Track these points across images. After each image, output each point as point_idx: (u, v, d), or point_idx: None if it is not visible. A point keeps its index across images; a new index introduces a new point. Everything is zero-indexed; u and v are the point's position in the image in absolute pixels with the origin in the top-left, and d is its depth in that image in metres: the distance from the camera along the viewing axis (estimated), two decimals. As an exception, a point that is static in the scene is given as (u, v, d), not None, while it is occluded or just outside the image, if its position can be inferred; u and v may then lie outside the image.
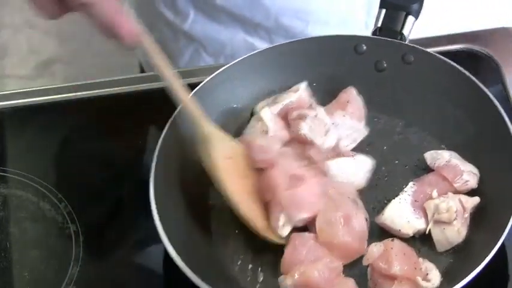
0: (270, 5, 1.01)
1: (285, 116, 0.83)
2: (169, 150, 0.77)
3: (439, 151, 0.80)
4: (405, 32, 0.86)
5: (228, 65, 0.85)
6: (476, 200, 0.75)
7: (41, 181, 0.85)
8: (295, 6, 1.03)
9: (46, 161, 0.89)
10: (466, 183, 0.76)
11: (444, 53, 0.96)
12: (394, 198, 0.76)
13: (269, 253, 0.75)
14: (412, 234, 0.74)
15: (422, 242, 0.75)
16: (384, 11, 0.87)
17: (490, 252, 0.67)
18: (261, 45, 1.06)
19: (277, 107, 0.84)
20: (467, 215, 0.74)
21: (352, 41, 0.87)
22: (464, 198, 0.75)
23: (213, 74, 0.84)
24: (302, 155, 0.79)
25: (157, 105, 0.92)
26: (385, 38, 0.86)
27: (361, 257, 0.73)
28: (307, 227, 0.76)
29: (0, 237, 0.81)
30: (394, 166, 0.82)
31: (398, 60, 0.85)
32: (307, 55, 0.87)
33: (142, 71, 1.21)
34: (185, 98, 0.76)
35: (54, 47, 2.17)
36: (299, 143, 0.80)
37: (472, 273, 0.66)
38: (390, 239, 0.72)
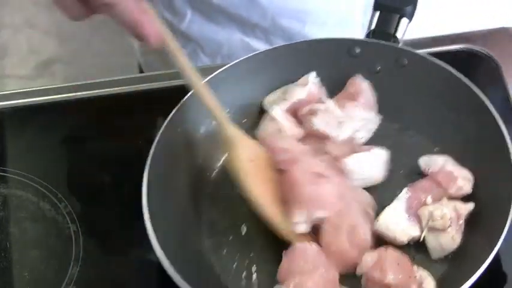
0: (267, 5, 1.01)
1: (294, 112, 0.83)
2: (161, 159, 0.77)
3: (433, 156, 0.79)
4: (399, 34, 0.86)
5: (221, 69, 0.84)
6: (470, 206, 0.74)
7: (41, 181, 0.85)
8: (292, 6, 1.03)
9: (46, 161, 0.89)
10: (461, 189, 0.76)
11: (444, 53, 0.96)
12: (388, 204, 0.76)
13: (264, 261, 0.75)
14: (407, 242, 0.74)
15: (416, 249, 0.74)
16: (377, 13, 0.87)
17: (485, 260, 0.66)
18: (258, 45, 1.06)
19: (287, 104, 0.83)
20: (461, 221, 0.73)
21: (345, 44, 0.86)
22: (458, 204, 0.74)
23: (208, 77, 0.82)
24: (319, 151, 0.79)
25: (157, 105, 0.92)
26: (379, 41, 0.85)
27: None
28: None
29: (0, 237, 0.81)
30: (389, 171, 0.81)
31: (392, 63, 0.85)
32: (301, 58, 0.86)
33: (141, 71, 1.22)
34: (209, 101, 0.76)
35: (54, 47, 2.17)
36: (314, 139, 0.80)
37: (467, 282, 0.65)
38: (384, 247, 0.72)
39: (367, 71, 0.86)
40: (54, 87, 0.97)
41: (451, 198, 0.75)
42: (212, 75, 0.83)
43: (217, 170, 0.84)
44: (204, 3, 1.03)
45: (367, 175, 0.79)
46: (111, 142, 0.92)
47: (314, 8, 1.03)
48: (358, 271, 0.71)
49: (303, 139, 0.81)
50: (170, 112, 0.80)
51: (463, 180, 0.76)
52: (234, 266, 0.76)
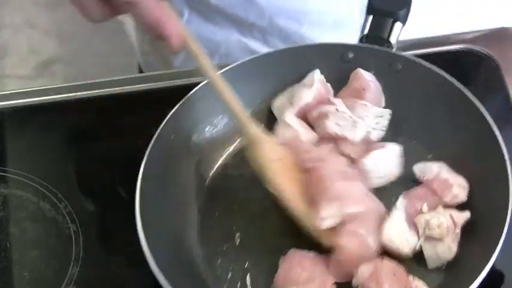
0: (264, 5, 1.01)
1: (304, 115, 0.83)
2: (154, 168, 0.77)
3: (428, 163, 0.79)
4: (392, 39, 0.85)
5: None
6: (467, 215, 0.73)
7: (41, 181, 0.85)
8: (289, 6, 1.03)
9: (46, 161, 0.89)
10: (456, 197, 0.75)
11: (444, 53, 0.96)
12: (388, 215, 0.74)
13: (259, 271, 0.75)
14: (411, 254, 0.73)
15: (412, 258, 0.74)
16: (370, 17, 0.86)
17: (482, 270, 0.66)
18: (256, 45, 1.06)
19: (296, 109, 0.82)
20: (458, 230, 0.72)
21: (339, 49, 0.86)
22: (455, 213, 0.73)
23: (202, 83, 0.82)
24: (337, 153, 0.79)
25: (157, 105, 0.92)
26: (372, 46, 0.85)
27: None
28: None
29: (0, 237, 0.81)
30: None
31: (385, 68, 0.84)
32: (293, 64, 0.86)
33: (141, 71, 1.22)
34: (231, 101, 0.75)
35: (54, 47, 2.17)
36: (327, 141, 0.80)
37: None
38: (380, 259, 0.71)
39: None
40: (54, 87, 0.97)
41: (446, 206, 0.75)
42: (206, 80, 0.82)
43: (210, 179, 0.84)
44: (202, 3, 1.03)
45: (385, 172, 0.78)
46: (111, 142, 0.92)
47: (311, 9, 1.03)
48: (354, 282, 0.70)
49: (318, 143, 0.81)
50: (170, 112, 0.80)
51: (459, 188, 0.76)
52: (229, 276, 0.75)
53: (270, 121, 0.86)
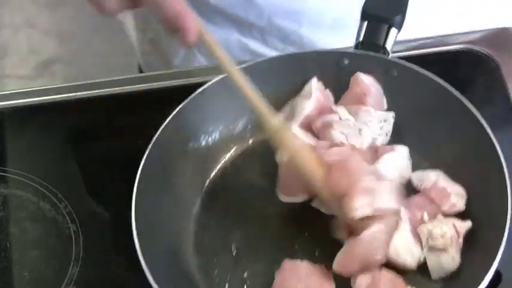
0: (263, 5, 1.01)
1: (308, 126, 0.82)
2: (149, 178, 0.77)
3: (425, 172, 0.78)
4: (388, 45, 0.84)
5: (211, 82, 0.83)
6: (468, 224, 0.73)
7: (41, 181, 0.85)
8: (287, 6, 1.03)
9: (46, 161, 0.89)
10: (454, 206, 0.74)
11: (444, 53, 0.96)
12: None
13: (256, 282, 0.75)
14: (416, 267, 0.72)
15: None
16: (365, 23, 0.85)
17: (484, 278, 0.65)
18: (255, 45, 1.06)
19: (298, 121, 0.82)
20: (461, 240, 0.72)
21: (334, 56, 0.85)
22: (457, 222, 0.72)
23: (197, 91, 0.82)
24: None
25: (157, 105, 0.92)
26: (368, 53, 0.84)
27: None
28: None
29: (0, 237, 0.81)
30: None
31: (381, 75, 0.83)
32: (288, 71, 0.85)
33: (141, 71, 1.22)
34: (251, 93, 0.74)
35: (54, 47, 2.17)
36: None
37: None
38: (378, 269, 0.71)
39: None
40: (54, 87, 0.97)
41: (445, 215, 0.74)
42: (201, 88, 0.82)
43: (206, 188, 0.83)
44: (201, 3, 1.03)
45: (396, 175, 0.77)
46: (111, 142, 0.92)
47: (310, 9, 1.03)
48: None
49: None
50: (170, 112, 0.80)
51: (456, 196, 0.75)
52: (226, 287, 0.75)
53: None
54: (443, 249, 0.71)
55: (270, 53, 1.06)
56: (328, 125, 0.79)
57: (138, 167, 0.77)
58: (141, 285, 0.78)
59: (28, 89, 0.97)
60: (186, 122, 0.82)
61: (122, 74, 0.99)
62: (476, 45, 0.97)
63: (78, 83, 0.97)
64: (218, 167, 0.85)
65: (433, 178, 0.76)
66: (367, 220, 0.71)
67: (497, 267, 0.70)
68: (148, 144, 0.78)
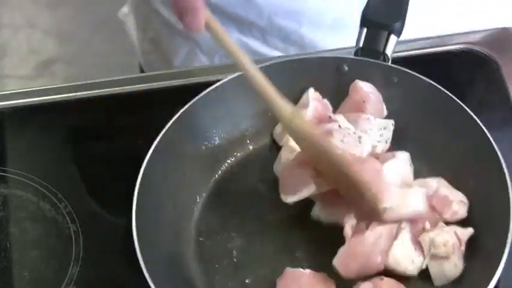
0: (263, 4, 1.01)
1: None
2: (150, 182, 0.77)
3: (426, 179, 0.78)
4: (388, 51, 0.84)
5: (207, 90, 0.82)
6: (470, 231, 0.73)
7: (41, 181, 0.85)
8: (287, 6, 1.03)
9: (46, 161, 0.89)
10: (456, 214, 0.74)
11: (444, 53, 0.96)
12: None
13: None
14: (417, 274, 0.72)
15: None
16: (365, 30, 0.85)
17: (487, 285, 0.65)
18: (255, 45, 1.06)
19: None
20: (463, 247, 0.72)
21: (334, 62, 0.85)
22: (459, 230, 0.72)
23: (195, 98, 0.82)
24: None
25: (157, 105, 0.92)
26: (368, 59, 0.84)
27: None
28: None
29: (0, 237, 0.81)
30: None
31: (381, 82, 0.84)
32: (288, 76, 0.84)
33: (142, 71, 1.22)
34: (260, 80, 0.74)
35: (54, 47, 2.17)
36: None
37: None
38: (379, 277, 0.71)
39: None
40: (54, 87, 0.97)
41: (447, 222, 0.74)
42: (204, 92, 0.82)
43: (206, 194, 0.83)
44: None
45: (398, 182, 0.77)
46: (111, 142, 0.92)
47: (309, 9, 1.03)
48: None
49: None
50: (171, 112, 0.80)
51: (458, 204, 0.75)
52: None
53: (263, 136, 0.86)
54: (446, 257, 0.71)
55: (271, 52, 1.06)
56: (328, 134, 0.78)
57: (138, 167, 0.77)
58: (141, 285, 0.78)
59: (28, 89, 0.97)
60: (188, 126, 0.82)
61: (122, 74, 0.98)
62: (476, 45, 0.97)
63: (78, 83, 0.97)
64: (219, 172, 0.85)
65: (434, 186, 0.76)
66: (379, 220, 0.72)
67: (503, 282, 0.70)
68: (148, 144, 0.78)
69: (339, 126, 0.78)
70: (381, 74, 0.83)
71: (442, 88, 0.81)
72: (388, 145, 0.81)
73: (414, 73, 0.83)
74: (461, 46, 0.98)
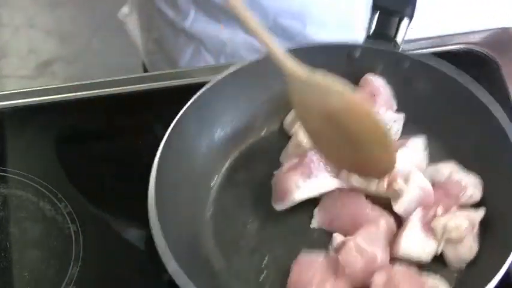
0: (268, 6, 1.02)
1: None
2: (166, 166, 0.76)
3: (439, 165, 0.78)
4: (399, 37, 0.84)
5: (218, 78, 0.82)
6: (482, 212, 0.73)
7: (41, 181, 0.85)
8: (292, 7, 1.03)
9: (46, 161, 0.89)
10: (471, 198, 0.75)
11: (444, 53, 0.96)
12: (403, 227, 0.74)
13: (275, 270, 0.75)
14: (430, 260, 0.73)
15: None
16: (376, 15, 0.85)
17: (502, 265, 0.65)
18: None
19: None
20: (476, 229, 0.72)
21: (345, 49, 0.85)
22: (471, 213, 0.73)
23: (203, 89, 0.82)
24: None
25: (157, 105, 0.92)
26: (378, 46, 0.84)
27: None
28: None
29: (0, 237, 0.81)
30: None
31: (392, 67, 0.83)
32: (301, 62, 0.85)
33: (145, 71, 1.22)
34: (281, 55, 0.74)
35: (54, 47, 2.17)
36: None
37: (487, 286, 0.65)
38: (391, 264, 0.71)
39: (368, 73, 0.85)
40: (54, 87, 0.97)
41: (461, 206, 0.74)
42: (206, 87, 0.81)
43: (223, 175, 0.83)
44: (208, 3, 1.03)
45: (414, 166, 0.77)
46: (111, 142, 0.92)
47: (314, 10, 1.03)
48: None
49: None
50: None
51: (473, 188, 0.75)
52: (245, 274, 0.75)
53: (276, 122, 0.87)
54: (460, 241, 0.71)
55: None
56: None
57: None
58: (141, 285, 0.78)
59: (28, 89, 0.97)
60: (203, 111, 0.81)
61: (122, 74, 0.98)
62: (476, 45, 0.97)
63: (78, 83, 0.97)
64: (234, 155, 0.85)
65: (447, 171, 0.77)
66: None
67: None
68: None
69: None
70: (392, 60, 0.83)
71: (453, 72, 0.80)
72: (397, 137, 0.81)
73: (425, 59, 0.83)
74: (461, 46, 0.98)
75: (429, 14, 1.02)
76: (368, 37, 0.86)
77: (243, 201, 0.81)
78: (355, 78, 0.85)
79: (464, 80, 0.80)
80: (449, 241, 0.72)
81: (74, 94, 0.95)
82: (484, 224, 0.73)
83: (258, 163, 0.84)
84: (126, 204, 0.84)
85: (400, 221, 0.75)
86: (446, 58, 0.84)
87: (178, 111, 0.80)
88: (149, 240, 0.81)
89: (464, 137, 0.80)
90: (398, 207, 0.74)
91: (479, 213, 0.73)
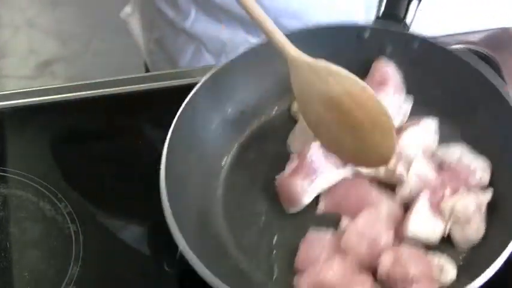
0: (269, 6, 1.01)
1: None
2: (177, 146, 0.77)
3: (449, 147, 0.79)
4: (408, 19, 0.85)
5: (225, 62, 0.83)
6: (489, 194, 0.74)
7: (41, 181, 0.85)
8: (293, 7, 1.03)
9: (46, 161, 0.89)
10: (479, 180, 0.76)
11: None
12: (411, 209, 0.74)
13: (284, 249, 0.76)
14: (438, 241, 0.73)
15: None
16: None
17: (508, 245, 0.66)
18: None
19: None
20: (483, 210, 0.73)
21: (354, 30, 0.85)
22: (479, 195, 0.74)
23: (211, 72, 0.82)
24: None
25: (157, 105, 0.92)
26: (388, 26, 0.84)
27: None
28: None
29: (0, 237, 0.81)
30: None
31: (401, 48, 0.84)
32: (307, 45, 0.83)
33: (147, 71, 1.22)
34: (284, 43, 0.74)
35: (54, 47, 2.17)
36: None
37: (492, 267, 0.65)
38: (399, 245, 0.72)
39: (378, 54, 0.85)
40: (54, 87, 0.97)
41: (470, 188, 0.75)
42: (215, 70, 0.82)
43: (234, 154, 0.84)
44: (208, 3, 1.03)
45: (422, 148, 0.78)
46: (111, 142, 0.92)
47: (314, 9, 1.03)
48: (379, 273, 0.70)
49: None
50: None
51: (481, 171, 0.76)
52: (255, 253, 0.76)
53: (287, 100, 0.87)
54: (467, 222, 0.72)
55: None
56: None
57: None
58: (141, 285, 0.78)
59: (28, 89, 0.97)
60: (215, 89, 0.82)
61: (122, 74, 0.98)
62: (476, 45, 0.97)
63: (78, 83, 0.97)
64: (245, 134, 0.86)
65: (458, 153, 0.77)
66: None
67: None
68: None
69: None
70: (402, 41, 0.84)
71: (462, 54, 0.81)
72: (405, 120, 0.82)
73: (435, 40, 0.83)
74: (461, 46, 0.97)
75: (429, 14, 1.02)
76: (377, 18, 0.86)
77: (253, 181, 0.81)
78: (364, 60, 0.85)
79: (474, 61, 0.80)
80: (456, 222, 0.73)
81: (74, 94, 0.95)
82: (492, 206, 0.74)
83: (269, 143, 0.85)
84: (126, 204, 0.84)
85: (407, 205, 0.76)
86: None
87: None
88: (149, 240, 0.81)
89: (473, 119, 0.80)
90: (401, 193, 0.75)
91: (487, 195, 0.74)
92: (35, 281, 0.77)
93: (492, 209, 0.74)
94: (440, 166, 0.78)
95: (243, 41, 1.06)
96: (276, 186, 0.79)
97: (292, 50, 0.74)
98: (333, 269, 0.69)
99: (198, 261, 0.67)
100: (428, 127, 0.80)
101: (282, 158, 0.81)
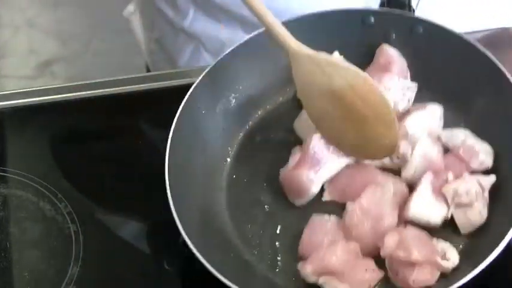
0: (269, 6, 1.01)
1: None
2: (181, 139, 0.77)
3: (454, 130, 0.79)
4: (413, 3, 0.85)
5: (231, 49, 0.84)
6: (492, 178, 0.74)
7: (41, 181, 0.85)
8: (293, 8, 1.02)
9: (46, 161, 0.89)
10: (482, 163, 0.76)
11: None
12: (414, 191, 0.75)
13: (287, 237, 0.76)
14: (440, 224, 0.74)
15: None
16: None
17: (510, 229, 0.66)
18: None
19: None
20: (486, 194, 0.73)
21: (359, 14, 0.86)
22: (481, 178, 0.74)
23: (214, 62, 0.83)
24: None
25: (158, 105, 0.92)
26: (393, 10, 0.85)
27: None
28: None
29: (0, 237, 0.81)
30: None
31: (407, 32, 0.84)
32: (313, 31, 0.85)
33: (148, 71, 1.22)
34: (286, 36, 0.74)
35: (54, 47, 2.17)
36: None
37: (494, 252, 0.65)
38: (402, 226, 0.72)
39: (382, 40, 0.86)
40: (54, 87, 0.97)
41: (472, 172, 0.76)
42: (227, 52, 0.83)
43: (236, 147, 0.84)
44: (207, 2, 1.03)
45: (428, 131, 0.78)
46: (111, 142, 0.92)
47: (315, 9, 1.03)
48: (382, 254, 0.71)
49: None
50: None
51: (484, 154, 0.76)
52: (258, 242, 0.76)
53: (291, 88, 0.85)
54: (469, 205, 0.72)
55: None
56: None
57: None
58: (141, 285, 0.78)
59: (28, 89, 0.97)
60: (216, 82, 0.82)
61: (122, 74, 0.98)
62: (476, 45, 0.97)
63: (78, 83, 0.97)
64: (250, 123, 0.86)
65: (461, 137, 0.78)
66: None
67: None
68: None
69: None
70: (407, 25, 0.84)
71: (468, 38, 0.81)
72: (410, 104, 0.82)
73: (440, 24, 0.83)
74: (461, 46, 0.97)
75: (429, 14, 1.02)
76: (383, 3, 0.86)
77: (258, 171, 0.82)
78: (369, 45, 0.86)
79: (479, 45, 0.81)
80: (459, 206, 0.73)
81: (74, 94, 0.95)
82: (494, 191, 0.74)
83: (274, 131, 0.85)
84: (126, 204, 0.84)
85: (412, 188, 0.76)
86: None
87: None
88: (149, 239, 0.81)
89: (477, 103, 0.80)
90: (405, 173, 0.76)
91: (490, 179, 0.74)
92: (35, 281, 0.77)
93: (495, 194, 0.74)
94: (444, 150, 0.78)
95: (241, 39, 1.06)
96: (280, 179, 0.79)
97: (293, 43, 0.74)
98: (337, 254, 0.69)
99: (202, 257, 0.67)
100: (434, 112, 0.80)
101: (286, 149, 0.81)
